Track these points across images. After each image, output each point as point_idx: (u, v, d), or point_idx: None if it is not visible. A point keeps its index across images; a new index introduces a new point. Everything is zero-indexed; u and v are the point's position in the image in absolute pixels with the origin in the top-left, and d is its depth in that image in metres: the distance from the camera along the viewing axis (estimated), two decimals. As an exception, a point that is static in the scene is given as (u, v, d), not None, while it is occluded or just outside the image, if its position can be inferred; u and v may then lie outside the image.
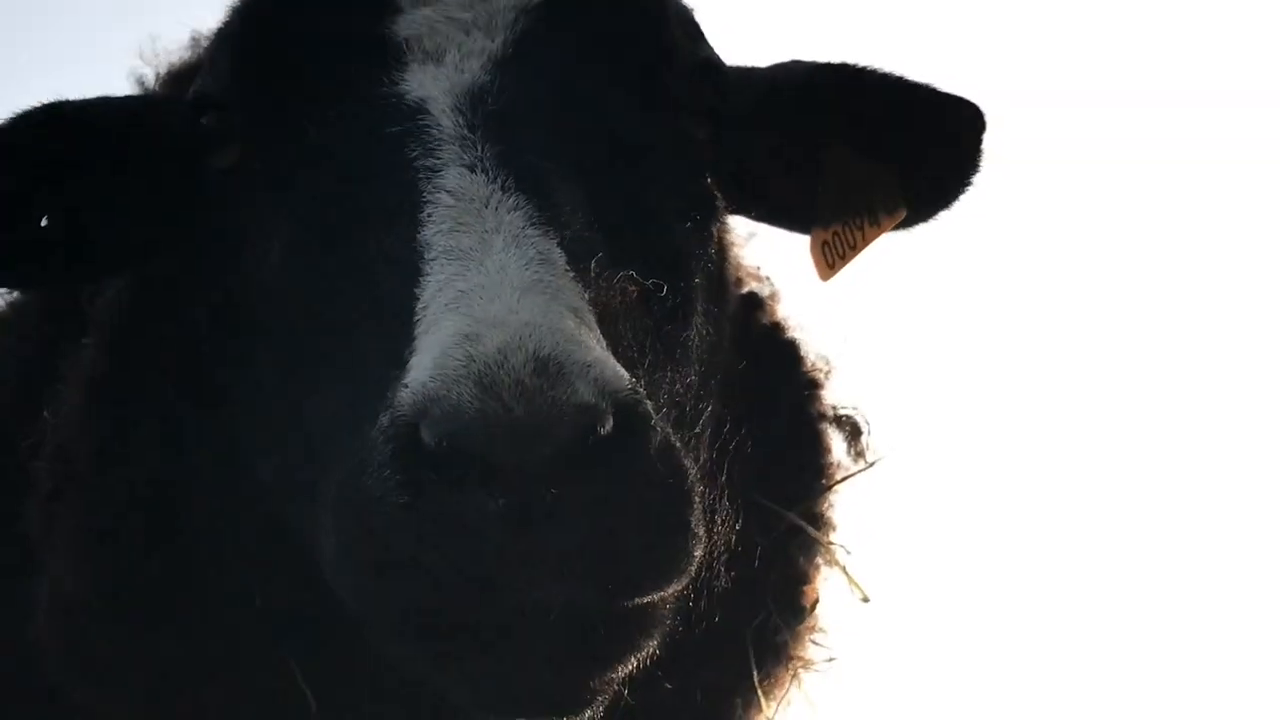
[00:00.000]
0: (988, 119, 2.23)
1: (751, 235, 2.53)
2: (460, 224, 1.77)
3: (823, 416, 2.51)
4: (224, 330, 2.13)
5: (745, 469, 2.29)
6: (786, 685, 2.43)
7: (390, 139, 1.90)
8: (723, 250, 2.30)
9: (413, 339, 1.67)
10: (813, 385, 2.52)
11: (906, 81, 2.30)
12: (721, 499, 2.10)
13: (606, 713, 1.85)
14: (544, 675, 1.67)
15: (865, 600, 2.42)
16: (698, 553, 1.70)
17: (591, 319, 1.70)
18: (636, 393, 1.60)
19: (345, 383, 1.81)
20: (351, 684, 2.12)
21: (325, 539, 1.76)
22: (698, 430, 2.09)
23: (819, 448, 2.49)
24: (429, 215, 1.79)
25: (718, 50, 2.25)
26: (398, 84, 1.97)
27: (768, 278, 2.56)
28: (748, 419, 2.33)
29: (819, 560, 2.45)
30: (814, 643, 2.46)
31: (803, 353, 2.53)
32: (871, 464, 2.50)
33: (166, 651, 2.17)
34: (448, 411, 1.54)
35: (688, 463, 1.71)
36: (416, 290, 1.72)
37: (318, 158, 1.97)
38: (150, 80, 2.63)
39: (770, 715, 2.41)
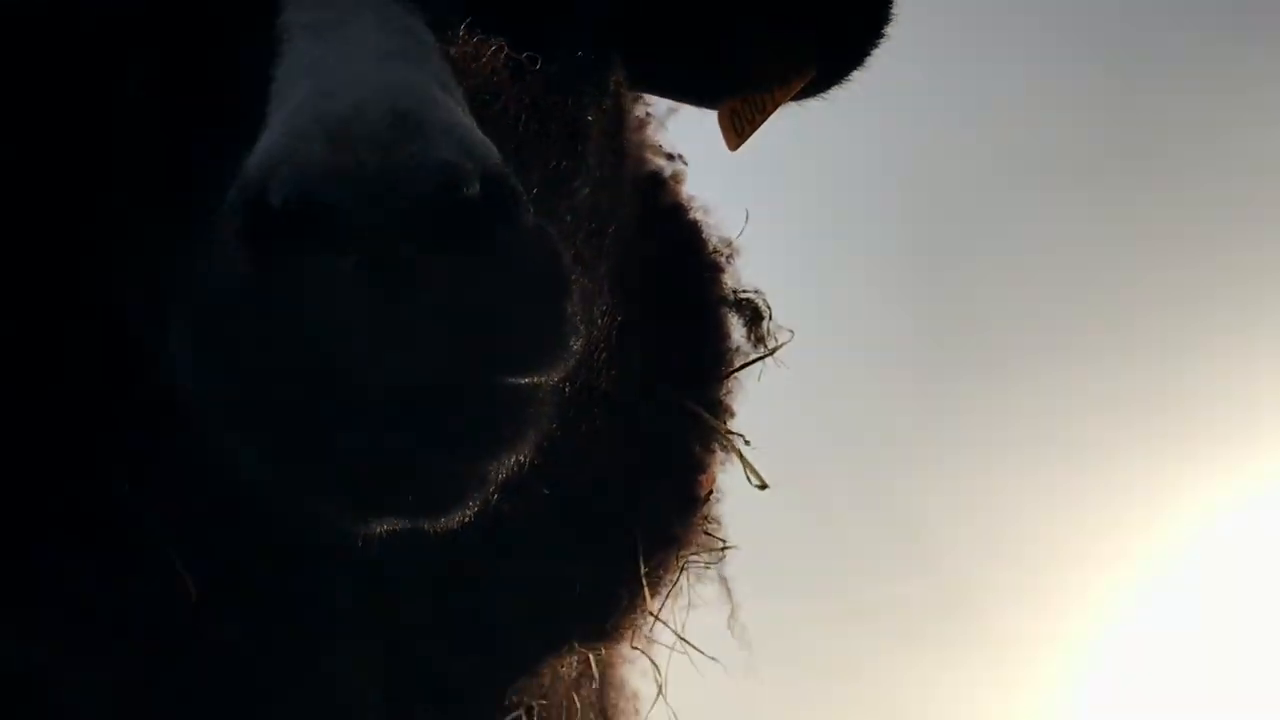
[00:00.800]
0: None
1: (672, 112, 2.45)
2: (320, 2, 1.67)
3: (723, 300, 2.41)
4: (84, 198, 1.98)
5: (640, 352, 2.20)
6: (675, 576, 2.31)
7: None
8: (620, 107, 2.21)
9: (266, 116, 1.56)
10: (713, 268, 2.42)
11: None
12: (599, 296, 2.00)
13: (475, 535, 1.74)
14: (411, 464, 1.55)
15: (763, 488, 2.32)
16: (574, 341, 1.61)
17: (459, 93, 1.59)
18: (506, 167, 1.49)
19: (207, 188, 1.66)
20: (229, 566, 1.97)
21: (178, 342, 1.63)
22: (579, 237, 1.97)
23: (718, 332, 2.39)
24: (287, 2, 1.70)
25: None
26: None
27: (677, 156, 2.48)
28: (644, 300, 2.24)
29: (716, 448, 2.35)
30: (707, 533, 2.35)
31: (705, 235, 2.44)
32: (772, 350, 2.41)
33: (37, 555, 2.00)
34: (296, 167, 1.43)
35: (562, 250, 1.61)
36: (272, 71, 1.61)
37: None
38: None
39: (656, 607, 2.30)
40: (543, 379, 1.61)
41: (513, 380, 1.57)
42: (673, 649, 2.31)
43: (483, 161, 1.46)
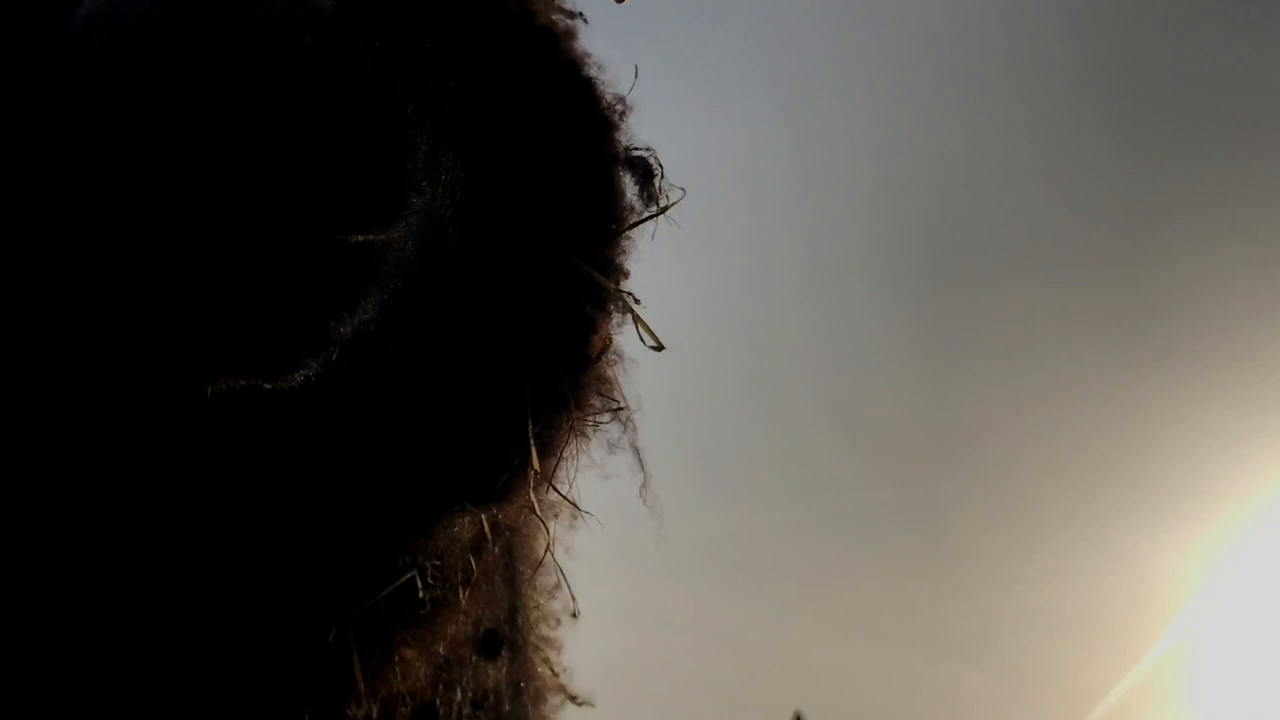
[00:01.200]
0: None
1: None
2: None
3: (615, 158, 2.37)
4: None
5: (529, 209, 2.17)
6: (564, 437, 2.29)
7: None
8: None
9: None
10: (605, 125, 2.38)
11: None
12: (449, 149, 1.98)
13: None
14: (240, 318, 1.54)
15: (659, 349, 2.29)
16: (414, 197, 1.60)
17: None
18: (343, 17, 1.48)
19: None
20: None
21: None
22: (430, 88, 1.94)
23: (610, 191, 2.35)
24: None
25: None
26: None
27: (578, 14, 2.43)
28: (533, 157, 2.20)
29: (610, 308, 2.32)
30: (599, 394, 2.33)
31: (597, 91, 2.39)
32: (664, 209, 2.37)
33: None
34: (119, 19, 1.43)
35: (404, 103, 1.60)
36: None
37: None
38: None
39: (546, 470, 2.28)
40: (379, 237, 1.60)
41: (348, 237, 1.56)
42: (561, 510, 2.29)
43: (314, 12, 1.45)
